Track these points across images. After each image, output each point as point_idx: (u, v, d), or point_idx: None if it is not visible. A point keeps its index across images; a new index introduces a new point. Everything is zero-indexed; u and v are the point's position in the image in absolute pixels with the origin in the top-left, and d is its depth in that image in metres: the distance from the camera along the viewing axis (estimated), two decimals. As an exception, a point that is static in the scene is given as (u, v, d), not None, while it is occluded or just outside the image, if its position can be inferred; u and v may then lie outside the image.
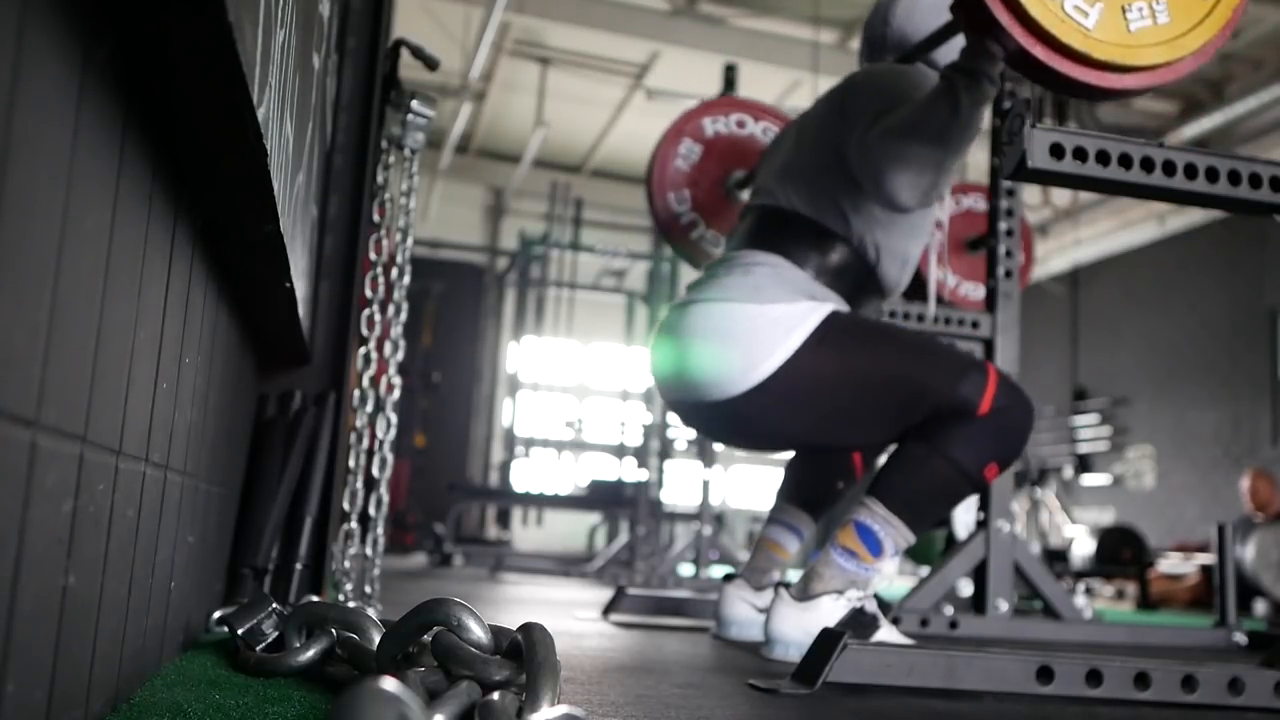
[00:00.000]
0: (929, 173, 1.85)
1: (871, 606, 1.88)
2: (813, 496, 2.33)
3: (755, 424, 1.97)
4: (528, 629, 0.90)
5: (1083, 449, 10.87)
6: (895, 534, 1.87)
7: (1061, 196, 10.28)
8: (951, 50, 2.08)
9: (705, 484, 5.30)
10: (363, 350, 2.00)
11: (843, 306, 2.01)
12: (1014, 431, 1.88)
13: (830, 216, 2.02)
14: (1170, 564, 7.17)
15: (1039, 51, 1.48)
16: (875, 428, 1.93)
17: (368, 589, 1.98)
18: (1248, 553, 6.25)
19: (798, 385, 1.89)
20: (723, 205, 2.71)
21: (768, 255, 2.01)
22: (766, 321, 1.90)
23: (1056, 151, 1.45)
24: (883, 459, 2.32)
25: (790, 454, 2.39)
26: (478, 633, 0.93)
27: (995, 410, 1.85)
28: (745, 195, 2.67)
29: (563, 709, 0.78)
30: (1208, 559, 6.90)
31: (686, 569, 5.86)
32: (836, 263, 2.01)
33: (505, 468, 9.12)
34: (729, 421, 1.99)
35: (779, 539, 2.30)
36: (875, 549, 1.86)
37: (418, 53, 2.14)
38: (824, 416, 1.93)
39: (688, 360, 1.95)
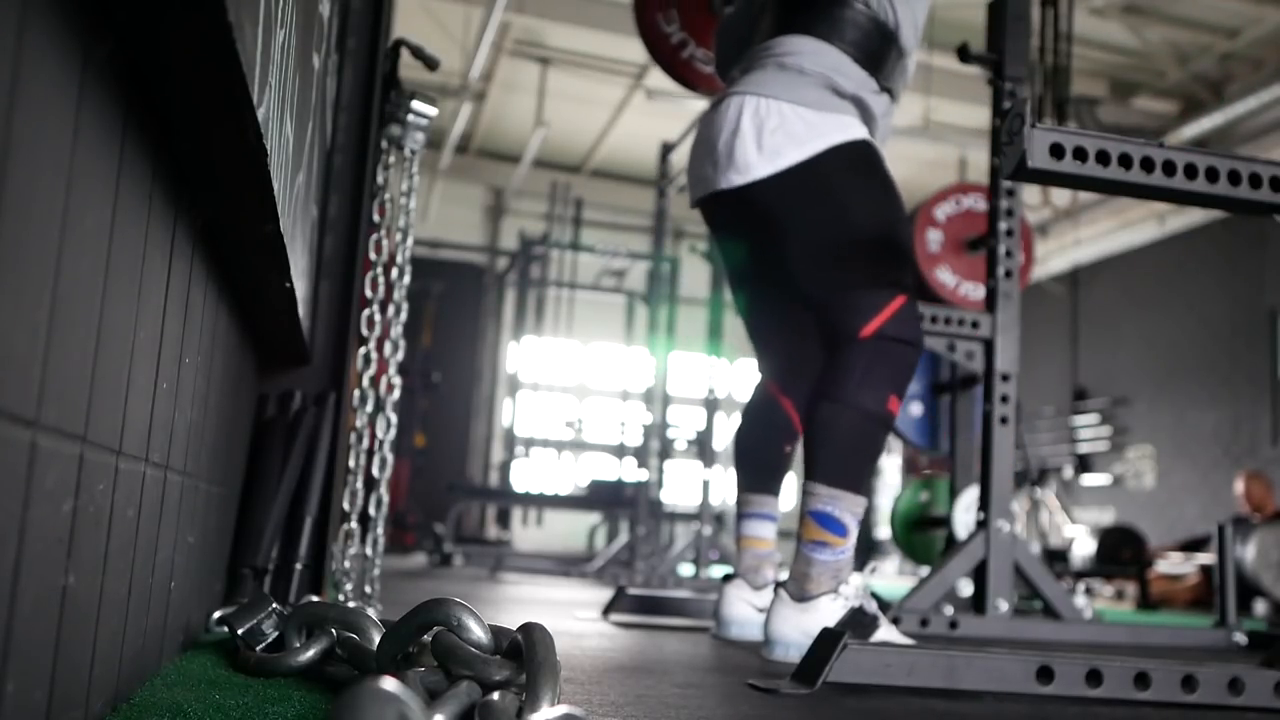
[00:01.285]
0: None
1: (871, 606, 1.89)
2: (766, 473, 2.32)
3: (757, 219, 2.08)
4: (528, 629, 0.90)
5: (1083, 449, 10.87)
6: (847, 504, 1.91)
7: (1061, 196, 10.28)
8: None
9: (705, 484, 5.31)
10: (363, 350, 2.00)
11: (880, 106, 2.11)
12: (901, 363, 1.97)
13: None
14: (1170, 564, 7.17)
15: None
16: (821, 257, 2.03)
17: (368, 589, 1.98)
18: (1248, 553, 6.25)
19: (805, 190, 2.01)
20: (710, 22, 2.71)
21: (799, 41, 2.09)
22: (799, 120, 2.01)
23: (1056, 151, 1.45)
24: None
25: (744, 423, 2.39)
26: (478, 633, 0.93)
27: (879, 338, 1.95)
28: (730, 10, 2.69)
29: (563, 709, 0.78)
30: (1207, 559, 6.90)
31: (686, 569, 5.86)
32: (860, 30, 2.10)
33: (505, 468, 9.12)
34: (738, 216, 2.12)
35: (755, 532, 2.30)
36: (839, 529, 1.90)
37: (418, 53, 2.14)
38: (805, 223, 2.03)
39: (721, 140, 2.07)
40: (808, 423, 1.98)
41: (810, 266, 2.04)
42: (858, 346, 1.95)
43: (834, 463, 1.93)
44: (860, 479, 1.94)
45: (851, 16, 2.10)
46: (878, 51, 2.12)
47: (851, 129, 2.04)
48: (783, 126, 2.01)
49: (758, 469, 2.33)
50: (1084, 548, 7.30)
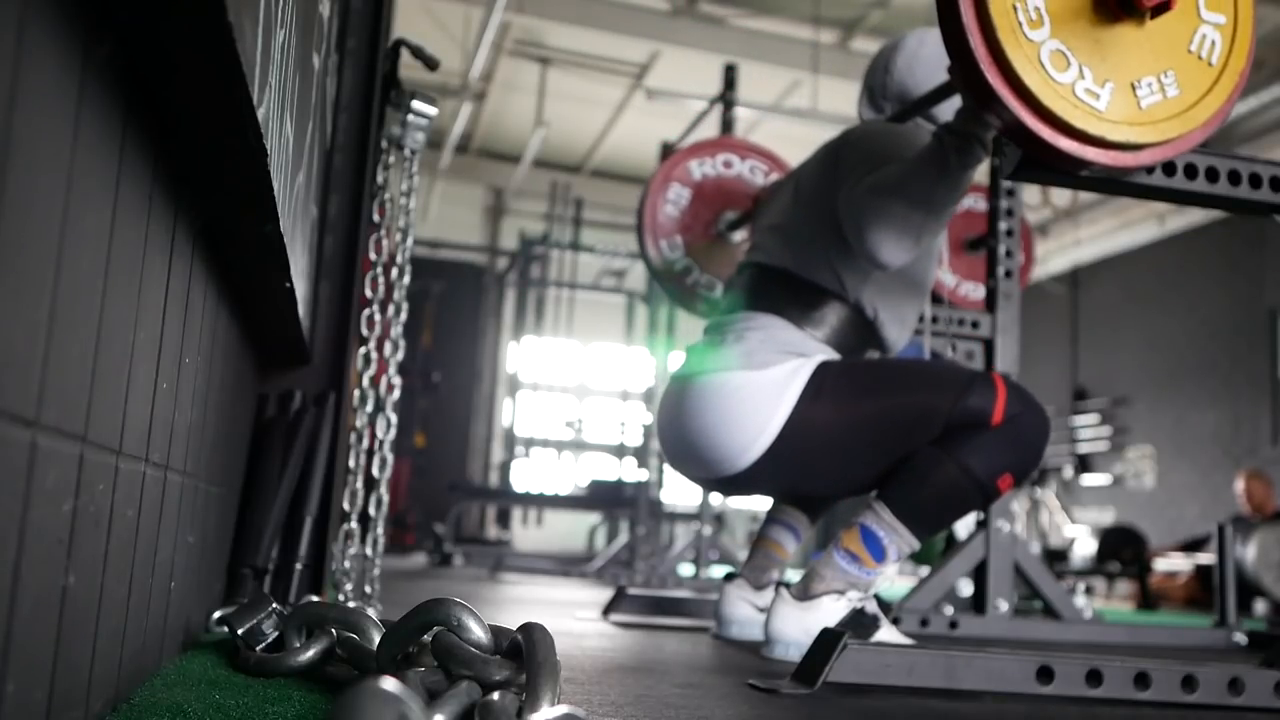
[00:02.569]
0: (911, 233, 1.82)
1: (872, 606, 1.88)
2: (809, 498, 2.33)
3: (776, 481, 2.01)
4: (528, 629, 0.90)
5: (1083, 449, 10.87)
6: (900, 540, 1.86)
7: (1061, 196, 10.28)
8: (952, 107, 2.07)
9: (705, 484, 5.29)
10: (363, 350, 2.00)
11: (833, 356, 2.00)
12: (1030, 440, 1.86)
13: (825, 276, 2.01)
14: (1169, 563, 7.18)
15: (1062, 143, 1.38)
16: (891, 463, 1.90)
17: (368, 589, 1.98)
18: (1248, 553, 6.25)
19: (805, 441, 1.90)
20: (716, 247, 2.69)
21: (762, 317, 2.01)
22: (761, 387, 1.90)
23: (1056, 151, 1.44)
24: None
25: None
26: (478, 633, 0.93)
27: (1009, 419, 1.84)
28: (737, 236, 2.66)
29: (563, 709, 0.78)
30: (1207, 558, 6.90)
31: (686, 569, 5.86)
32: (834, 321, 2.01)
33: (505, 468, 9.12)
34: (751, 484, 2.03)
35: (777, 538, 2.31)
36: (878, 554, 1.86)
37: (418, 53, 2.14)
38: (838, 464, 1.93)
39: (695, 441, 1.97)
40: (908, 456, 1.88)
41: (882, 456, 1.90)
42: (993, 430, 1.84)
43: (914, 500, 1.85)
44: (930, 528, 1.87)
45: (825, 307, 2.00)
46: (853, 342, 2.03)
47: (807, 364, 1.92)
48: (751, 402, 1.90)
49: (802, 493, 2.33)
50: (1085, 547, 7.30)
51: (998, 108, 1.38)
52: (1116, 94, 1.39)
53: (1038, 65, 1.36)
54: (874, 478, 1.95)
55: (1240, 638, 2.81)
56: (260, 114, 0.86)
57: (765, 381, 1.91)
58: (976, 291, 4.02)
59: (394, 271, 2.07)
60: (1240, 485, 6.98)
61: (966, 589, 3.48)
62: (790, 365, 1.92)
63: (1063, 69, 1.36)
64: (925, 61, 2.20)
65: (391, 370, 2.03)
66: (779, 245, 2.08)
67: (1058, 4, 1.38)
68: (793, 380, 1.90)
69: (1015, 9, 1.36)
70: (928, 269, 2.10)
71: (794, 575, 2.21)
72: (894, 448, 1.89)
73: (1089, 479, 10.76)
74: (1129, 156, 1.42)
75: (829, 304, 2.01)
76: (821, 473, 1.95)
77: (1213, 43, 1.43)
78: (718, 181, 2.73)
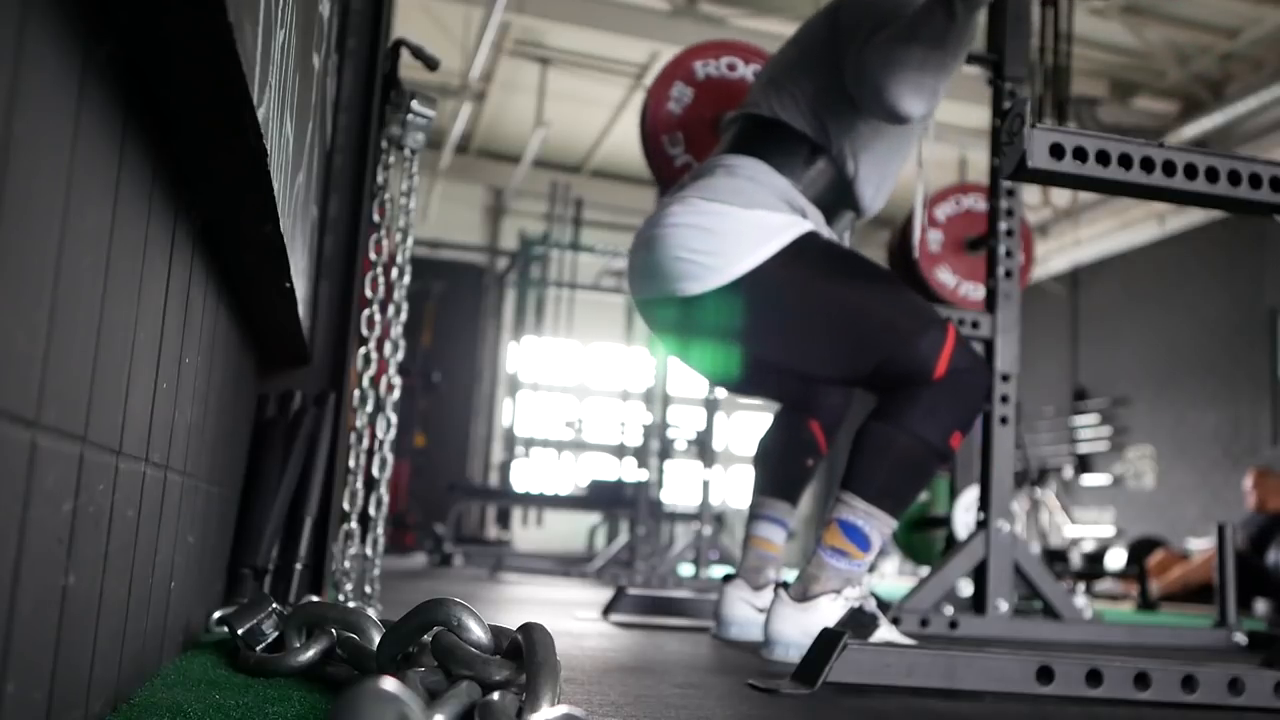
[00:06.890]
0: (929, 78, 1.88)
1: (871, 606, 1.89)
2: (786, 482, 2.33)
3: (717, 328, 1.99)
4: (528, 629, 0.90)
5: (1083, 449, 10.87)
6: (878, 524, 1.88)
7: (1061, 196, 10.28)
8: None
9: (705, 484, 5.30)
10: (363, 350, 2.00)
11: (821, 223, 2.06)
12: (971, 396, 1.90)
13: (812, 126, 2.06)
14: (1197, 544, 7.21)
15: None
16: (831, 357, 1.95)
17: (368, 589, 1.98)
18: (1274, 555, 6.24)
19: (765, 293, 1.92)
20: (716, 147, 2.71)
21: (750, 160, 2.04)
22: (746, 224, 1.93)
23: (1056, 151, 1.45)
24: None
25: (757, 450, 2.39)
26: (478, 633, 0.93)
27: (951, 373, 1.87)
28: None
29: (563, 709, 0.78)
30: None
31: (686, 569, 5.86)
32: (815, 172, 2.05)
33: (505, 468, 9.12)
34: (693, 324, 2.01)
35: (765, 534, 2.31)
36: (863, 544, 1.88)
37: (418, 53, 2.14)
38: (784, 331, 1.96)
39: (665, 250, 1.98)
40: (858, 436, 1.92)
41: (825, 361, 1.96)
42: (932, 386, 1.87)
43: (878, 481, 1.87)
44: (902, 504, 1.89)
45: (809, 157, 2.04)
46: (830, 203, 2.07)
47: (798, 225, 1.95)
48: (731, 234, 1.92)
49: (777, 477, 2.33)
50: (1117, 559, 7.34)
51: None
52: None
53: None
54: (806, 367, 2.00)
55: (1240, 638, 2.81)
56: (260, 114, 0.86)
57: (751, 221, 1.94)
58: (976, 291, 4.02)
59: (394, 271, 2.07)
60: (1249, 482, 6.96)
61: (966, 589, 3.48)
62: (782, 219, 1.95)
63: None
64: None
65: (391, 370, 2.03)
66: (769, 97, 2.12)
67: None
68: (780, 232, 1.93)
69: None
70: (911, 134, 2.15)
71: (791, 574, 2.21)
72: (838, 345, 1.93)
73: (1089, 479, 10.76)
74: None
75: (812, 154, 2.05)
76: (763, 334, 1.97)
77: None
78: (721, 81, 2.73)
